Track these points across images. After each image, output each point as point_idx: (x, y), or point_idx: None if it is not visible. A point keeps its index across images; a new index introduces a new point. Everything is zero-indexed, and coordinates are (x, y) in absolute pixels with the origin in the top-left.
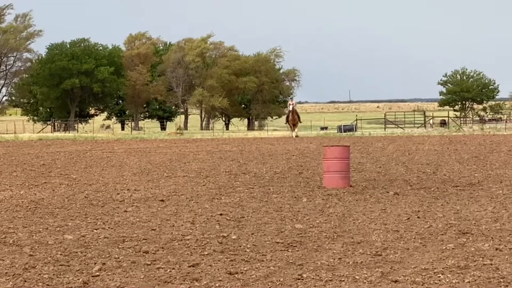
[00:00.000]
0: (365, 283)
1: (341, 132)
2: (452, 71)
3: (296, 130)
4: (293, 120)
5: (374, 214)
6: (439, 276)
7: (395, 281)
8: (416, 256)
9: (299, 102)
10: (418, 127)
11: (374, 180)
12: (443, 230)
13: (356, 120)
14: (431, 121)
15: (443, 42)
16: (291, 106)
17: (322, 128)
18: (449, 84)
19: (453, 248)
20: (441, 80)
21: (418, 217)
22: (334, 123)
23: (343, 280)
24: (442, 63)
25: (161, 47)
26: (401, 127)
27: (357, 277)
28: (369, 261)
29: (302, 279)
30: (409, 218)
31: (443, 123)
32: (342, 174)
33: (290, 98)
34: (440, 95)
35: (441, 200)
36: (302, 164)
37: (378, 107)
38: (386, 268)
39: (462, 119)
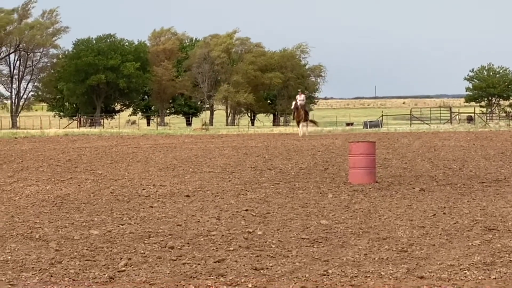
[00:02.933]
0: (390, 279)
1: (367, 128)
2: (478, 67)
3: (303, 128)
4: (299, 117)
5: (400, 210)
6: (465, 273)
7: (421, 277)
8: (442, 252)
9: (325, 98)
10: (444, 123)
11: (400, 176)
12: (469, 226)
13: (382, 116)
14: (457, 117)
15: (469, 38)
16: (298, 102)
17: (347, 124)
18: (475, 80)
19: (479, 245)
20: (467, 76)
21: (444, 213)
22: (360, 119)
23: (369, 276)
24: (468, 59)
25: (187, 43)
26: (427, 123)
27: (382, 273)
28: (395, 257)
29: (328, 275)
30: (435, 214)
31: (469, 119)
32: (368, 170)
33: (299, 91)
34: (466, 91)
35: (467, 196)
36: (327, 160)
37: (404, 103)
38: (412, 264)
39: (488, 115)
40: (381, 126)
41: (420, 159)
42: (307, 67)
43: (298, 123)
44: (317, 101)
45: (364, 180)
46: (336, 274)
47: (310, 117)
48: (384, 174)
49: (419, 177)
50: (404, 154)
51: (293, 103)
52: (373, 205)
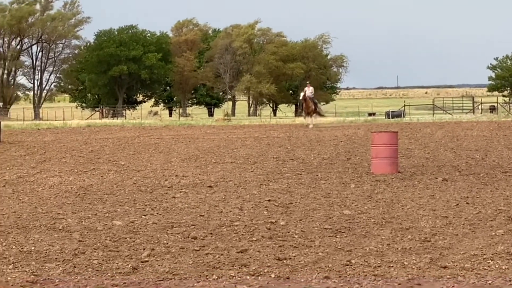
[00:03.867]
0: (413, 269)
1: (389, 118)
2: (502, 56)
3: (311, 119)
4: (308, 109)
5: (422, 200)
6: (489, 262)
7: (444, 267)
8: (465, 242)
9: (347, 88)
10: (466, 113)
11: (422, 166)
12: (492, 216)
13: (404, 106)
14: (479, 106)
15: (492, 27)
16: (306, 94)
17: (369, 114)
18: (498, 69)
19: (502, 234)
20: (490, 65)
21: (467, 203)
22: (382, 109)
23: (392, 266)
24: (492, 48)
25: (210, 34)
26: (449, 113)
27: (405, 263)
28: (418, 247)
29: (351, 265)
30: (458, 204)
31: (492, 109)
32: (390, 160)
33: (308, 83)
34: (489, 80)
35: (490, 186)
36: (350, 150)
37: (426, 93)
38: (435, 254)
39: (511, 104)
40: (404, 116)
41: (442, 149)
42: (329, 57)
43: (307, 114)
44: (339, 92)
45: (387, 170)
46: (359, 264)
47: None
48: (406, 164)
49: (442, 167)
50: (426, 144)
51: (301, 94)
52: (395, 195)
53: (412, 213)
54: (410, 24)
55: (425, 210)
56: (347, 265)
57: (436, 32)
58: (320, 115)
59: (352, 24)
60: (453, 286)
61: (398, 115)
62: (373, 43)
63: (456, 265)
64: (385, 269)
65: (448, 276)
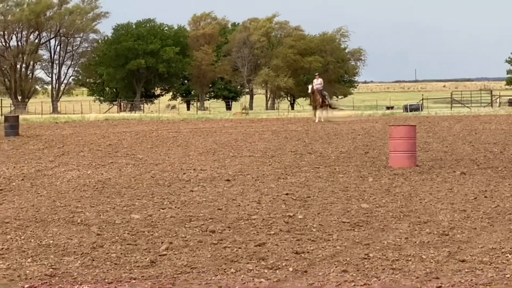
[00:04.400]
0: (432, 262)
1: (407, 111)
2: None
3: (319, 112)
4: (315, 102)
5: (440, 194)
6: (507, 256)
7: (463, 261)
8: (483, 235)
9: (364, 82)
10: (485, 106)
11: (440, 160)
12: (511, 209)
13: (422, 99)
14: (498, 100)
15: (510, 19)
16: (314, 86)
17: (387, 108)
18: None
19: None
20: (509, 58)
21: (485, 197)
22: (400, 103)
23: (410, 260)
24: (510, 42)
25: (229, 27)
26: (467, 107)
27: (424, 256)
28: (436, 240)
29: (369, 259)
30: (476, 198)
31: (511, 102)
32: (408, 153)
33: (317, 75)
34: (507, 74)
35: (509, 180)
36: (368, 144)
37: (444, 86)
38: (453, 248)
39: None
40: (422, 110)
41: (461, 142)
42: (347, 51)
43: (314, 108)
44: (357, 85)
45: (405, 163)
46: (377, 257)
47: (328, 102)
48: (424, 158)
49: (460, 160)
50: (444, 138)
51: (309, 87)
52: (413, 189)
53: (430, 207)
54: (429, 17)
55: (443, 203)
56: (365, 258)
57: (454, 25)
58: (331, 107)
59: (370, 17)
60: (471, 280)
61: (416, 108)
62: (391, 36)
63: (474, 258)
64: (403, 263)
65: (466, 270)
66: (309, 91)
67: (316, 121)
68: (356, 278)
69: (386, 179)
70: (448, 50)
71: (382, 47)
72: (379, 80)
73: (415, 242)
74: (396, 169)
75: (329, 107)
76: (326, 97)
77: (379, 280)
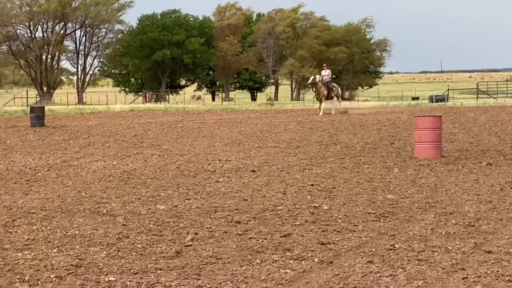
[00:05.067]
0: (457, 253)
1: (433, 102)
2: None
3: (325, 105)
4: (319, 94)
5: (466, 185)
6: None
7: (489, 252)
8: (509, 226)
9: (390, 73)
10: (511, 97)
11: (466, 151)
12: None
13: (448, 90)
14: None
15: None
16: (322, 78)
17: (413, 99)
18: None
19: None
20: None
21: None
22: (426, 93)
23: (436, 251)
24: None
25: (253, 18)
26: (493, 97)
27: (449, 247)
28: (462, 231)
29: (395, 250)
30: (502, 189)
31: None
32: (434, 144)
33: (324, 66)
34: None
35: None
36: (393, 135)
37: (470, 77)
38: (479, 239)
39: None
40: (447, 100)
41: (486, 133)
42: (372, 41)
43: (319, 101)
44: (383, 76)
45: (430, 154)
46: (403, 248)
47: (339, 94)
48: (450, 149)
49: (486, 151)
50: (470, 129)
51: (311, 78)
52: (439, 180)
53: (456, 198)
54: (454, 7)
55: (469, 194)
56: (391, 249)
57: (480, 15)
58: (338, 99)
59: (395, 7)
60: (497, 271)
61: (441, 99)
62: (417, 27)
63: (501, 250)
64: (429, 254)
65: (492, 261)
66: (309, 82)
67: (320, 114)
68: (382, 269)
69: (412, 170)
70: (474, 40)
71: (407, 37)
72: (405, 71)
73: (441, 233)
74: (422, 160)
75: (337, 98)
76: (334, 89)
77: (405, 271)
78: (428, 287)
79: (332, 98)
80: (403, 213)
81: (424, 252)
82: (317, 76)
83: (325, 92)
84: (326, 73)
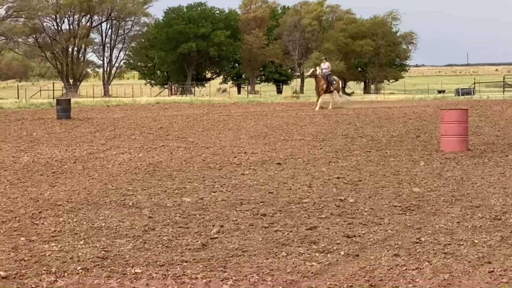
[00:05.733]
0: (484, 247)
1: (459, 95)
2: None
3: (323, 98)
4: (318, 88)
5: (493, 178)
6: None
7: None
8: None
9: (416, 65)
10: None
11: (492, 144)
12: None
13: (474, 83)
14: None
15: None
16: (322, 71)
17: (439, 92)
18: None
19: None
20: None
21: None
22: (452, 87)
23: (462, 244)
24: None
25: (278, 11)
26: None
27: (476, 241)
28: (488, 225)
29: (421, 243)
30: None
31: None
32: (460, 137)
33: (324, 59)
34: None
35: None
36: (419, 128)
37: (496, 70)
38: (506, 232)
39: None
40: (473, 94)
41: None
42: (398, 34)
43: (318, 94)
44: (408, 69)
45: (456, 147)
46: (429, 241)
47: (341, 88)
48: (476, 142)
49: None
50: (496, 122)
51: (310, 70)
52: (465, 173)
53: (482, 191)
54: (481, 1)
55: (495, 188)
56: (417, 242)
57: (507, 8)
58: (339, 93)
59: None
60: None
61: (468, 92)
62: (443, 19)
63: None
64: (455, 247)
65: None
66: (308, 74)
67: (317, 108)
68: (408, 262)
69: (438, 163)
70: (501, 33)
71: (433, 30)
72: (431, 64)
73: (467, 226)
74: (448, 153)
75: (337, 92)
76: (334, 82)
77: (431, 264)
78: (454, 280)
79: (331, 91)
80: (429, 206)
81: (450, 245)
82: (317, 68)
83: (325, 86)
84: (325, 66)
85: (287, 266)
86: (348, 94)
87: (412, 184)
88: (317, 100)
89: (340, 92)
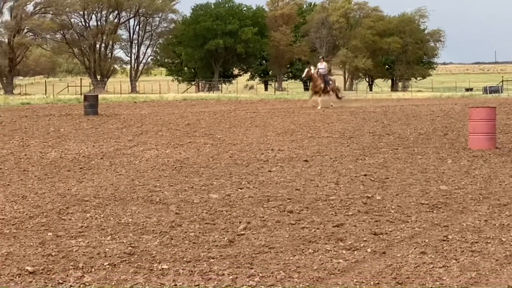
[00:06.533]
0: (511, 245)
1: (487, 93)
2: None
3: (318, 98)
4: (315, 87)
5: None
6: None
7: None
8: None
9: (444, 63)
10: None
11: None
12: None
13: (502, 81)
14: None
15: None
16: (318, 71)
17: (467, 90)
18: None
19: None
20: None
21: None
22: (479, 85)
23: (489, 242)
24: None
25: (305, 7)
26: None
27: (503, 239)
28: None
29: (448, 241)
30: None
31: None
32: (488, 135)
33: (321, 58)
34: None
35: None
36: (447, 125)
37: None
38: None
39: None
40: (501, 92)
41: None
42: (426, 31)
43: (315, 94)
44: (436, 67)
45: (484, 145)
46: (456, 239)
47: (337, 89)
48: (504, 140)
49: None
50: None
51: (306, 70)
52: (493, 171)
53: (510, 189)
54: None
55: None
56: (444, 240)
57: None
58: (337, 96)
59: None
60: None
61: (496, 90)
62: (471, 17)
63: None
64: (482, 245)
65: None
66: (303, 75)
67: (319, 108)
68: (435, 260)
69: (465, 161)
70: None
71: (461, 28)
72: (458, 62)
73: (495, 224)
74: (476, 151)
75: (332, 92)
76: (330, 82)
77: (458, 262)
78: (482, 279)
79: (328, 92)
80: (457, 204)
81: (477, 243)
82: (312, 68)
83: (322, 86)
84: (322, 65)
85: (314, 263)
86: (340, 98)
87: (440, 182)
88: (311, 98)
89: (339, 94)
